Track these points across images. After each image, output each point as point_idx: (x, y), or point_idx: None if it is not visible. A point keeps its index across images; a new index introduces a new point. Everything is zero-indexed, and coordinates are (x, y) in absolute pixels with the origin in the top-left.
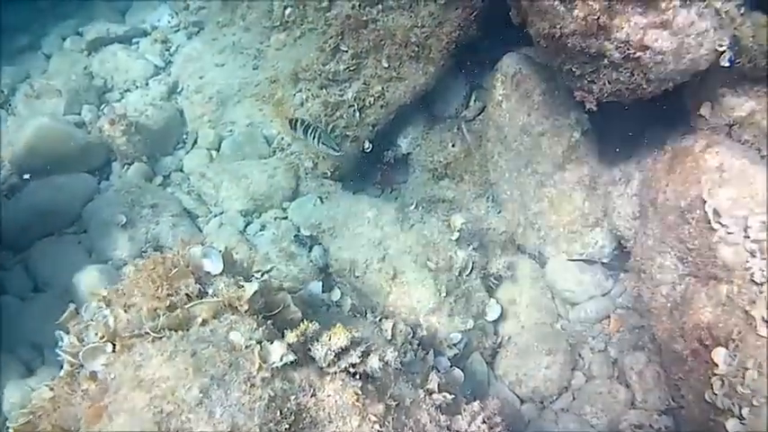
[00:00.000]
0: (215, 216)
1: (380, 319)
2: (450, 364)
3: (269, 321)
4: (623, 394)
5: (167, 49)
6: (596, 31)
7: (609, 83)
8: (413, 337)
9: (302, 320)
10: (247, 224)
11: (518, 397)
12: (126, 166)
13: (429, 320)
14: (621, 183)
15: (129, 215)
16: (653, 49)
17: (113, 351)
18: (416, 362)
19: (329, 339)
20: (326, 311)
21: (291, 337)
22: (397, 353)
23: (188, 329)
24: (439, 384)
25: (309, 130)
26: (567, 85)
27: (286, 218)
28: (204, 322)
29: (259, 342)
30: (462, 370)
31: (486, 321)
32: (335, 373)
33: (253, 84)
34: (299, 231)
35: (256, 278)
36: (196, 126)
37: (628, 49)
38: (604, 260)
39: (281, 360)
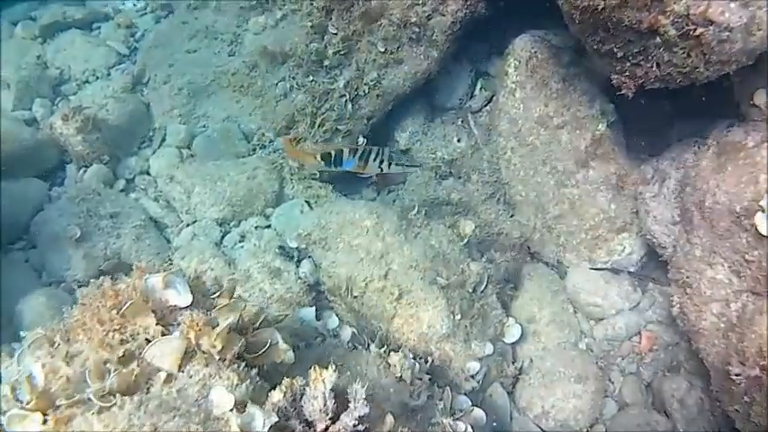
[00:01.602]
0: (186, 226)
1: (387, 352)
2: (470, 402)
3: (253, 369)
4: (663, 425)
5: (132, 35)
6: (649, 2)
7: (658, 65)
8: (426, 372)
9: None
10: (224, 234)
11: None
12: (82, 169)
13: (442, 348)
14: (655, 182)
15: (84, 227)
16: (718, 24)
17: (44, 424)
18: (431, 404)
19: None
20: (321, 344)
21: (277, 394)
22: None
23: (148, 390)
24: None
25: (373, 155)
26: (592, 71)
27: (269, 226)
28: (169, 378)
29: (242, 405)
30: (480, 404)
31: (505, 344)
32: None
33: (229, 72)
34: (284, 242)
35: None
36: (164, 121)
37: (687, 25)
38: (632, 269)
39: (264, 426)
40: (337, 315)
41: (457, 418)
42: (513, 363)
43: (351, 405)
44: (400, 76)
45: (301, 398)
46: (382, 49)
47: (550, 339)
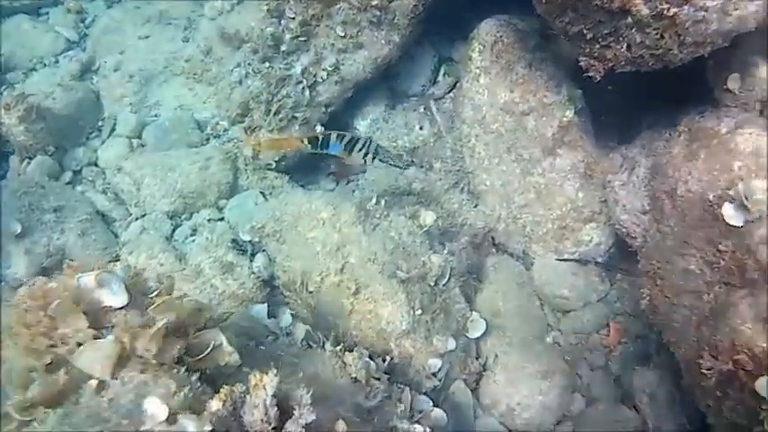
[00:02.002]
0: (135, 219)
1: (343, 351)
2: (431, 401)
3: (194, 374)
4: (633, 422)
5: (82, 21)
6: None
7: (629, 47)
8: (385, 371)
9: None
10: (175, 228)
11: (510, 431)
12: (26, 161)
13: (402, 345)
14: (624, 170)
15: (26, 222)
16: (693, 4)
17: None
18: (389, 406)
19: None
20: (273, 343)
21: (215, 403)
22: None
23: (77, 400)
24: None
25: (359, 145)
26: (559, 55)
27: (222, 219)
28: (101, 386)
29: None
30: (442, 402)
31: (469, 339)
32: None
33: (182, 59)
34: (237, 236)
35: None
36: (114, 110)
37: (660, 4)
38: (599, 260)
39: None
40: (292, 312)
41: (416, 420)
42: (476, 359)
43: (296, 412)
44: (360, 62)
45: (242, 406)
46: (341, 34)
47: (516, 333)
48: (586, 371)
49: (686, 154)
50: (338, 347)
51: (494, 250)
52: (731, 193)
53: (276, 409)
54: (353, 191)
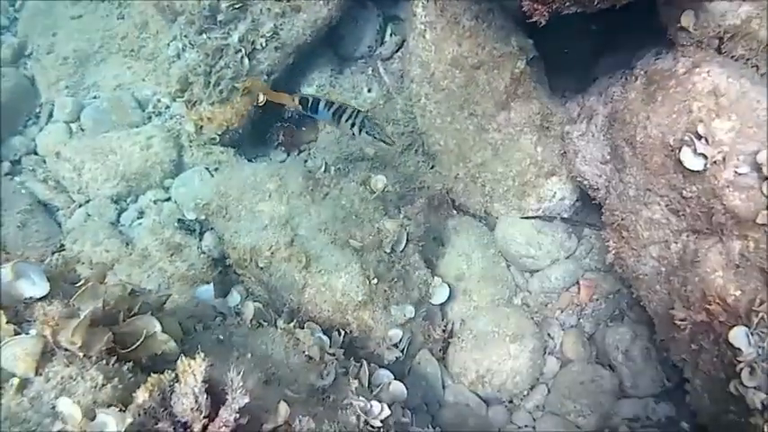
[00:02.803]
0: (79, 206)
1: (296, 327)
2: (391, 374)
3: (126, 364)
4: (609, 381)
5: (12, 5)
6: None
7: None
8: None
9: (182, 353)
10: (121, 212)
11: (482, 399)
12: None
13: (360, 317)
14: (582, 120)
15: None
16: None
17: None
18: (344, 383)
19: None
20: (221, 324)
21: (142, 394)
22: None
23: None
24: (383, 419)
25: (345, 115)
26: (506, 4)
27: (169, 199)
28: (23, 384)
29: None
30: (408, 373)
31: (432, 306)
32: None
33: (119, 36)
34: (183, 216)
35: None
36: (51, 95)
37: None
38: (564, 215)
39: None
40: (247, 290)
41: (374, 395)
42: (441, 326)
43: (228, 397)
44: (299, 26)
45: (171, 395)
46: None
47: (482, 297)
48: (558, 331)
49: (644, 98)
50: (291, 324)
51: (454, 212)
52: (689, 135)
53: (206, 396)
54: (305, 161)
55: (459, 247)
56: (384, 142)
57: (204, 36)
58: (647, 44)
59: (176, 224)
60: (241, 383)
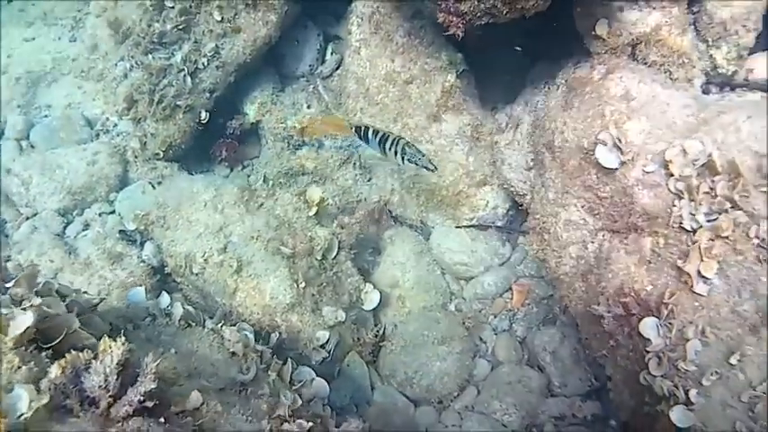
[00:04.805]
0: (26, 219)
1: (222, 327)
2: (313, 372)
3: (45, 353)
4: (537, 380)
5: None
6: None
7: None
8: (266, 345)
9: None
10: (67, 224)
11: (410, 400)
12: None
13: (289, 319)
14: (509, 129)
15: None
16: None
17: None
18: (265, 378)
19: (100, 362)
20: (151, 324)
21: (55, 370)
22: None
23: None
24: (293, 409)
25: (389, 143)
26: (437, 21)
27: (114, 212)
28: None
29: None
30: (338, 374)
31: (364, 311)
32: (125, 418)
33: (70, 58)
34: (124, 226)
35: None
36: (3, 114)
37: None
38: (499, 223)
39: (31, 408)
40: (185, 297)
41: (295, 390)
42: (372, 330)
43: (139, 379)
44: (239, 45)
45: (84, 372)
46: (219, 18)
47: (415, 303)
48: (491, 335)
49: (562, 105)
50: (219, 324)
51: (393, 222)
52: (602, 136)
53: (117, 377)
54: (249, 176)
55: (395, 256)
56: (426, 168)
57: (150, 56)
58: (570, 53)
59: (118, 235)
60: (153, 370)
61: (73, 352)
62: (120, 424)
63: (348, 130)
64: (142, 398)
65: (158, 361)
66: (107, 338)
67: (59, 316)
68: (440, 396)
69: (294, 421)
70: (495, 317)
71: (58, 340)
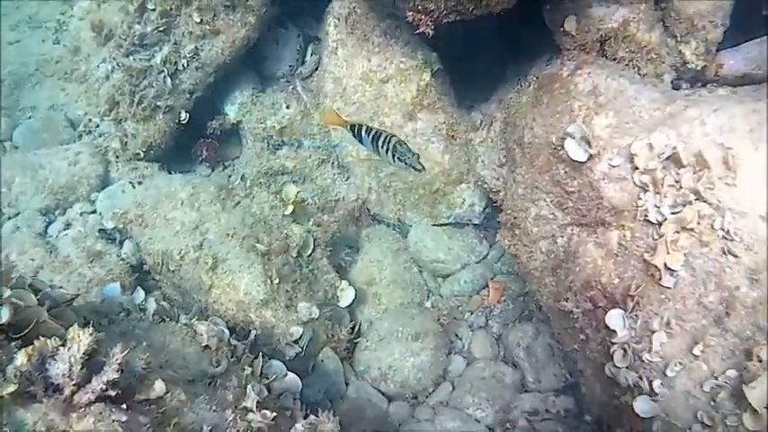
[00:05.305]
0: (9, 219)
1: (195, 321)
2: (284, 367)
3: (14, 343)
4: (511, 376)
5: None
6: None
7: None
8: (239, 339)
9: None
10: (49, 224)
11: (384, 395)
12: None
13: (263, 315)
14: (484, 127)
15: None
16: None
17: None
18: (235, 372)
19: (68, 350)
20: (125, 319)
21: (21, 357)
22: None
23: None
24: (259, 401)
25: (381, 141)
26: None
27: (95, 211)
28: None
29: None
30: (312, 370)
31: (340, 308)
32: (88, 404)
33: (53, 60)
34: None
35: None
36: None
37: None
38: (476, 221)
39: None
40: (163, 294)
41: (266, 384)
42: (347, 326)
43: (104, 369)
44: (218, 47)
45: (50, 360)
46: (198, 20)
47: (392, 300)
48: (467, 332)
49: (533, 101)
50: (193, 319)
51: (372, 221)
52: (570, 130)
53: (82, 367)
54: (230, 176)
55: (372, 254)
56: (414, 168)
57: (130, 58)
58: (546, 51)
59: (98, 233)
60: (118, 360)
61: (41, 338)
62: (82, 410)
63: (345, 125)
64: (105, 386)
65: (125, 352)
66: (76, 327)
67: (30, 308)
68: (414, 391)
69: (260, 411)
70: (472, 314)
71: (26, 330)
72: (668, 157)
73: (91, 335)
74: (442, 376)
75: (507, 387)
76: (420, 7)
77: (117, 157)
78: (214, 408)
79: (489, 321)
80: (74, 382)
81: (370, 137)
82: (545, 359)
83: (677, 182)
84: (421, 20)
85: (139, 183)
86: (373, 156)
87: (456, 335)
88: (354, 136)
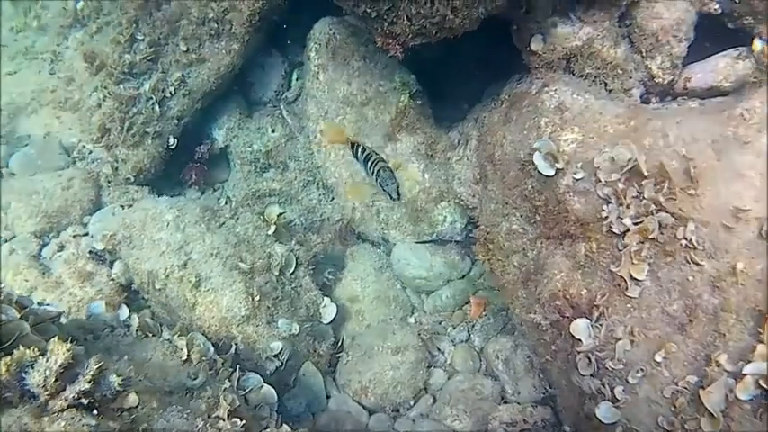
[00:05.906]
0: (5, 242)
1: (177, 336)
2: (261, 379)
3: None
4: (490, 388)
5: None
6: None
7: (410, 19)
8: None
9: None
10: (43, 246)
11: (366, 408)
12: None
13: (244, 330)
14: (461, 146)
15: None
16: None
17: None
18: (212, 384)
19: (46, 361)
20: (110, 335)
21: (2, 368)
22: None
23: None
24: (231, 410)
25: (369, 163)
26: None
27: (88, 234)
28: None
29: None
30: (294, 383)
31: (322, 324)
32: (61, 410)
33: (49, 90)
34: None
35: None
36: None
37: None
38: (458, 238)
39: None
40: (152, 313)
41: (243, 395)
42: (329, 342)
43: (78, 379)
44: (204, 74)
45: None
46: (184, 49)
47: (374, 316)
48: (449, 346)
49: (503, 119)
50: (175, 335)
51: (356, 239)
52: (537, 145)
53: (56, 379)
54: (219, 199)
55: (355, 271)
56: (390, 196)
57: (120, 86)
58: (518, 70)
59: (89, 255)
60: (91, 371)
61: (21, 348)
62: (54, 414)
63: (348, 143)
64: (77, 395)
65: (99, 365)
66: (56, 340)
67: (12, 321)
68: (394, 404)
69: (230, 420)
70: (455, 328)
71: (8, 343)
72: (630, 170)
73: (68, 349)
74: (423, 389)
75: (486, 399)
76: (387, 32)
77: (109, 181)
78: (185, 416)
79: (471, 335)
80: (47, 392)
81: (363, 157)
82: (524, 371)
83: (640, 193)
84: (389, 44)
85: (130, 206)
86: (362, 174)
87: (438, 349)
88: (353, 155)
